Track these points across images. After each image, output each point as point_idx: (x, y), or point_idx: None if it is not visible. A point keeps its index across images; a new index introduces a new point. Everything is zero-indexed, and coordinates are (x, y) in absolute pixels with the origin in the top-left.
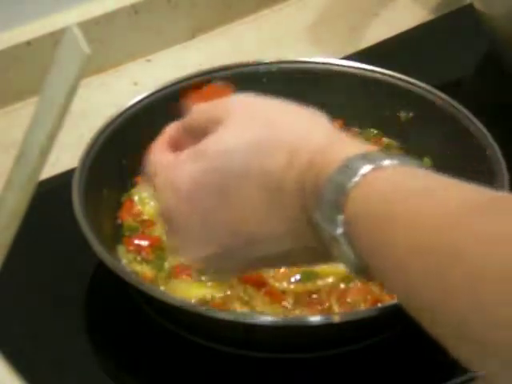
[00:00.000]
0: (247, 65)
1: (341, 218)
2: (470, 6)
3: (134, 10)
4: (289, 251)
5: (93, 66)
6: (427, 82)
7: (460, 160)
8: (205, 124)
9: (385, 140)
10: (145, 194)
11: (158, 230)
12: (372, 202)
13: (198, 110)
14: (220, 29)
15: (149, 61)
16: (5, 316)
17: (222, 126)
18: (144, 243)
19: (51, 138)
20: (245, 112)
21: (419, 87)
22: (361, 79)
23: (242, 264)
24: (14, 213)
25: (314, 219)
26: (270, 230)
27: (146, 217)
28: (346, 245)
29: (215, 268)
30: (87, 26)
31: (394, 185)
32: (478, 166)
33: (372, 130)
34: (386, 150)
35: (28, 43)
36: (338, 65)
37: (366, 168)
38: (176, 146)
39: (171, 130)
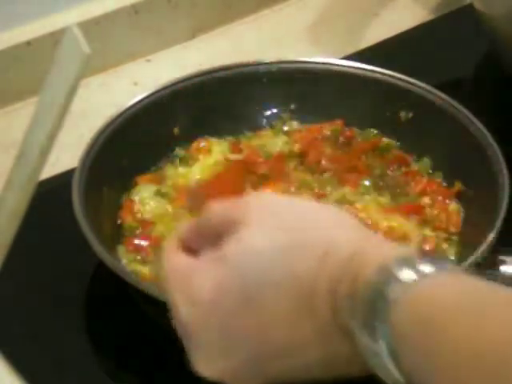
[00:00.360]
0: (247, 65)
1: (382, 326)
2: (470, 5)
3: (134, 9)
4: (319, 362)
5: (93, 66)
6: (427, 82)
7: (460, 160)
8: (222, 225)
9: (385, 140)
10: (145, 194)
11: (158, 230)
12: (419, 312)
13: (215, 210)
14: (220, 29)
15: (149, 61)
16: (5, 316)
17: (243, 228)
18: (144, 243)
19: (51, 137)
20: (266, 213)
21: (419, 87)
22: (361, 79)
23: (266, 376)
24: (14, 213)
25: (348, 326)
26: (297, 340)
27: (146, 217)
28: (386, 355)
29: (235, 380)
30: (87, 26)
31: (443, 292)
32: (478, 166)
33: (372, 129)
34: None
35: (28, 43)
36: (338, 65)
37: (408, 273)
38: (190, 247)
39: (184, 230)
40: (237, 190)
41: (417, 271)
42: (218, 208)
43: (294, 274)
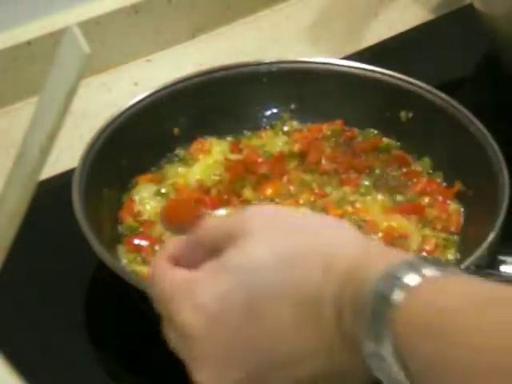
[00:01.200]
0: (247, 65)
1: (387, 332)
2: (470, 5)
3: (134, 10)
4: (321, 373)
5: (93, 66)
6: (427, 82)
7: (460, 160)
8: (220, 238)
9: (385, 140)
10: (145, 194)
11: (158, 230)
12: (424, 317)
13: (211, 224)
14: (220, 29)
15: (149, 61)
16: (5, 316)
17: (243, 240)
18: (144, 243)
19: (51, 138)
20: (266, 225)
21: (419, 87)
22: (361, 79)
23: None
24: (14, 213)
25: (353, 335)
26: (301, 351)
27: (146, 217)
28: (394, 363)
29: None
30: (87, 26)
31: (448, 296)
32: (478, 166)
33: (372, 129)
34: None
35: (28, 43)
36: (338, 65)
37: (412, 277)
38: (180, 263)
39: (173, 246)
40: (192, 214)
41: (420, 275)
42: (214, 222)
43: (297, 285)
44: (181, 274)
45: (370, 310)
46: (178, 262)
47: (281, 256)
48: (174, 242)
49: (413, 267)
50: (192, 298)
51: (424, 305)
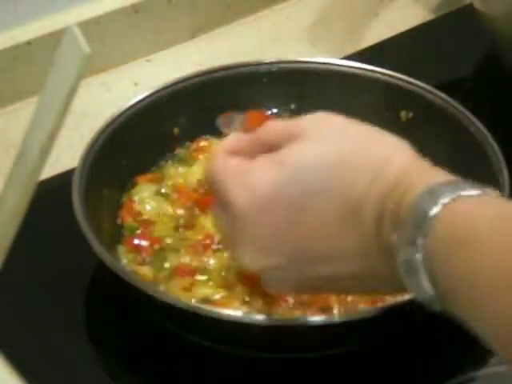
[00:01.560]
0: (247, 65)
1: (422, 241)
2: (470, 5)
3: (134, 10)
4: (353, 275)
5: (93, 66)
6: (427, 82)
7: (460, 160)
8: (280, 139)
9: None
10: (145, 194)
11: (158, 230)
12: (458, 230)
13: (272, 125)
14: (220, 29)
15: (149, 61)
16: (5, 316)
17: (302, 140)
18: (144, 243)
19: (51, 138)
20: (326, 128)
21: (419, 87)
22: (361, 79)
23: (302, 283)
24: (14, 213)
25: (389, 242)
26: (339, 248)
27: (146, 217)
28: (424, 272)
29: (274, 281)
30: (87, 26)
31: (482, 212)
32: (478, 166)
33: None
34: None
35: (28, 43)
36: (338, 65)
37: (452, 195)
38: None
39: (232, 141)
40: None
41: (460, 193)
42: (276, 124)
43: (345, 186)
44: (238, 160)
45: (409, 220)
46: (234, 155)
47: (334, 158)
48: (233, 138)
49: (453, 186)
50: (243, 179)
51: (459, 220)
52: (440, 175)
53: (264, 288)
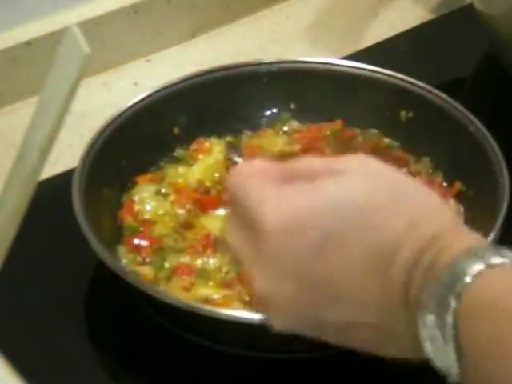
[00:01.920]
0: (247, 65)
1: (454, 303)
2: (470, 6)
3: (134, 10)
4: (366, 324)
5: (93, 66)
6: (427, 82)
7: (460, 160)
8: (318, 171)
9: (385, 140)
10: (145, 194)
11: (158, 230)
12: (489, 300)
13: (309, 159)
14: (220, 29)
15: (149, 61)
16: (5, 316)
17: (343, 174)
18: (144, 243)
19: (51, 138)
20: (366, 170)
21: (419, 87)
22: (361, 79)
23: (314, 319)
24: (14, 213)
25: (416, 298)
26: (361, 295)
27: (146, 217)
28: (450, 337)
29: (278, 312)
30: (87, 26)
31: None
32: (478, 166)
33: (372, 129)
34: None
35: (28, 43)
36: (338, 65)
37: (494, 259)
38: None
39: (259, 165)
40: None
41: (488, 263)
42: (316, 159)
43: (380, 229)
44: (271, 182)
45: (442, 283)
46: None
47: (373, 199)
48: (260, 163)
49: (491, 251)
50: (279, 199)
51: (489, 290)
52: (477, 238)
53: (266, 321)
